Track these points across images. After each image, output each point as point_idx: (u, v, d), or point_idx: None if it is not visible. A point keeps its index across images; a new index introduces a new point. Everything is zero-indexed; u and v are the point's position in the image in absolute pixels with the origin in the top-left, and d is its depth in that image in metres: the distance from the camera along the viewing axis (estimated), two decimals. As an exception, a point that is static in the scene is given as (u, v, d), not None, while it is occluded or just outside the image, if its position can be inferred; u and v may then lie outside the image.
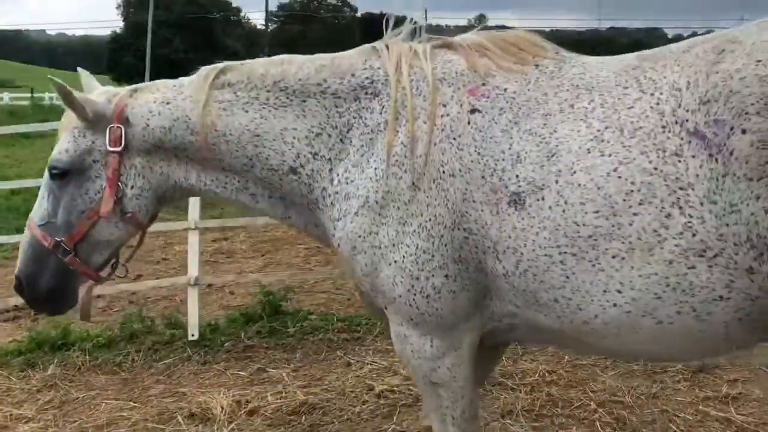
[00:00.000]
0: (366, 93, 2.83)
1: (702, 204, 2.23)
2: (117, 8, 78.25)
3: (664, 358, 3.31)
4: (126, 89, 3.13)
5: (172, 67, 32.75)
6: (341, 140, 2.84)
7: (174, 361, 6.03)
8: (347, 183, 2.79)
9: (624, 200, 2.32)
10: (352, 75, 2.87)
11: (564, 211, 2.40)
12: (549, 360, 5.71)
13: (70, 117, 3.04)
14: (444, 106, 2.67)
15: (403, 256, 2.64)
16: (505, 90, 2.65)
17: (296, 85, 2.91)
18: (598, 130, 2.42)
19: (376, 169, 2.71)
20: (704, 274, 2.25)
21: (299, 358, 5.98)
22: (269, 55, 3.23)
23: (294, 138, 2.89)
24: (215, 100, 2.96)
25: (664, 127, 2.33)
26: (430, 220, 2.59)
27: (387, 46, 2.92)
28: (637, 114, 2.39)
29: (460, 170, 2.57)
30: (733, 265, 2.22)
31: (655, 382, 5.22)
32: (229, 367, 5.86)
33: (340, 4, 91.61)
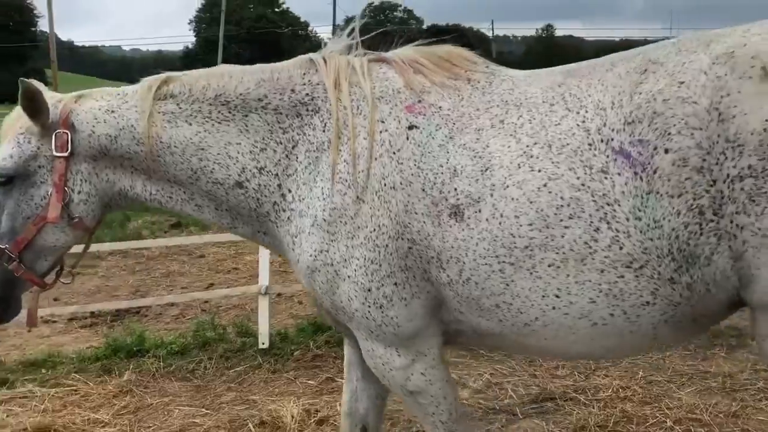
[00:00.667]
0: (307, 109, 2.86)
1: (628, 219, 2.35)
2: (189, 24, 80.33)
3: (598, 356, 3.47)
4: (70, 95, 3.12)
5: (242, 81, 33.22)
6: (287, 156, 2.86)
7: (245, 368, 6.11)
8: (300, 201, 2.82)
9: (555, 214, 2.43)
10: (292, 91, 2.90)
11: (500, 223, 2.51)
12: (623, 375, 5.59)
13: (11, 122, 3.03)
14: (382, 122, 2.73)
15: (355, 270, 2.69)
16: (440, 107, 2.73)
17: (237, 100, 2.92)
18: (527, 146, 2.51)
19: (322, 188, 2.75)
20: (632, 283, 2.40)
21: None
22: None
23: (238, 153, 2.90)
24: (159, 110, 2.97)
25: (590, 144, 2.42)
26: (374, 230, 2.65)
27: (324, 60, 2.94)
28: (563, 131, 2.48)
29: (401, 183, 2.65)
30: (657, 276, 2.37)
31: (735, 400, 5.04)
32: (298, 376, 5.91)
33: (406, 16, 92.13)
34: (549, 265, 2.46)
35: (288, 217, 2.87)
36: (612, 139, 2.38)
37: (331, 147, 2.76)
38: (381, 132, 2.72)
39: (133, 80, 3.17)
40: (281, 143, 2.87)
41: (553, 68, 2.78)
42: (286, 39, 76.66)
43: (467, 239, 2.55)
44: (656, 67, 2.42)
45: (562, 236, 2.42)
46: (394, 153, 2.68)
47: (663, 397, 5.16)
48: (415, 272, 2.66)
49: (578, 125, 2.46)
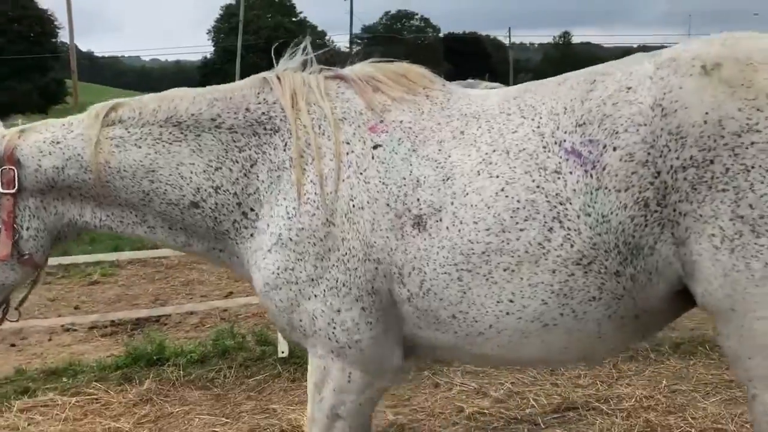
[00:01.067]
0: (265, 128, 2.88)
1: (578, 217, 2.45)
2: (207, 33, 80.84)
3: (549, 362, 3.53)
4: (13, 130, 3.10)
5: (260, 90, 33.37)
6: (245, 175, 2.87)
7: (265, 377, 6.10)
8: (262, 219, 2.84)
9: (511, 217, 2.52)
10: (247, 110, 2.92)
11: (459, 230, 2.58)
12: (646, 385, 5.53)
13: None
14: (348, 143, 2.78)
15: (324, 290, 2.73)
16: (401, 122, 2.80)
17: (189, 121, 2.92)
18: (487, 154, 2.61)
19: (287, 207, 2.77)
20: (581, 280, 2.49)
21: (387, 378, 5.93)
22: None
23: (191, 173, 2.91)
24: (107, 137, 2.96)
25: (545, 147, 2.53)
26: (346, 254, 2.70)
27: (279, 78, 2.95)
28: (520, 137, 2.59)
29: (368, 202, 2.70)
30: (604, 270, 2.47)
31: (761, 410, 4.95)
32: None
33: (423, 24, 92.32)
34: (504, 270, 2.55)
35: (251, 234, 2.89)
36: (564, 141, 2.50)
37: (294, 166, 2.79)
38: (347, 153, 2.76)
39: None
40: (238, 162, 2.88)
41: (515, 86, 2.92)
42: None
43: (428, 248, 2.62)
44: (605, 77, 2.57)
45: (518, 239, 2.52)
46: (360, 173, 2.74)
47: (687, 407, 5.10)
48: (381, 295, 2.72)
49: (533, 131, 2.58)
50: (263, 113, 2.90)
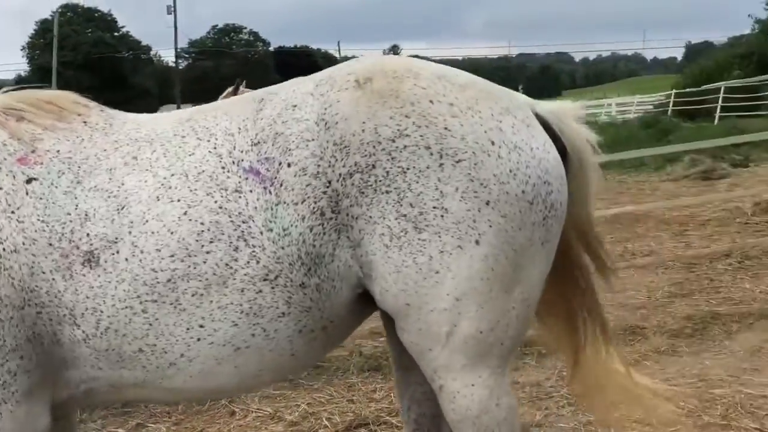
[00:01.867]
0: None
1: (261, 233, 2.47)
2: (22, 50, 76.24)
3: (243, 387, 3.13)
4: None
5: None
6: None
7: None
8: None
9: (197, 241, 2.48)
10: None
11: (141, 260, 2.47)
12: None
13: None
14: None
15: None
16: (59, 151, 2.60)
17: None
18: (165, 178, 2.54)
19: None
20: (269, 296, 2.50)
21: (181, 410, 5.69)
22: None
23: None
24: None
25: (223, 167, 2.54)
26: None
27: None
28: (198, 159, 2.56)
29: (23, 243, 2.47)
30: (290, 283, 2.49)
31: (539, 409, 5.12)
32: (106, 425, 5.56)
33: (252, 38, 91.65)
34: (192, 295, 2.48)
35: None
36: (242, 160, 2.53)
37: None
38: None
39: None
40: None
41: (184, 110, 2.90)
42: (128, 63, 74.36)
43: (104, 284, 2.47)
44: (272, 96, 2.65)
45: (205, 262, 2.47)
46: (12, 212, 2.49)
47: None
48: (44, 338, 2.50)
49: (210, 152, 2.57)
50: None
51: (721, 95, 33.72)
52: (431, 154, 2.42)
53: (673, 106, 38.99)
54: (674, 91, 42.11)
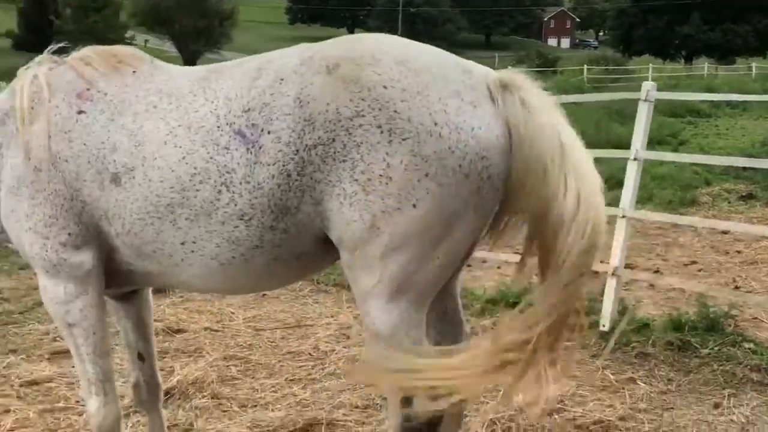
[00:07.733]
0: (8, 117, 3.29)
1: (241, 183, 2.86)
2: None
3: (237, 290, 3.93)
4: None
5: None
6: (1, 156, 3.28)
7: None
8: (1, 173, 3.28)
9: (190, 180, 2.92)
10: (2, 105, 3.33)
11: (149, 187, 2.98)
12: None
13: None
14: (57, 107, 3.15)
15: (35, 223, 3.15)
16: (106, 93, 3.15)
17: None
18: (173, 127, 2.98)
19: (11, 162, 3.21)
20: (245, 231, 2.92)
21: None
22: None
23: None
24: None
25: (218, 126, 2.90)
26: (51, 193, 3.11)
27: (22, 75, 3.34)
28: (201, 116, 2.96)
29: (72, 156, 3.09)
30: (261, 225, 2.90)
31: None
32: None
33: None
34: (186, 219, 2.95)
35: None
36: (234, 123, 2.88)
37: (20, 130, 3.18)
38: (55, 116, 3.12)
39: None
40: None
41: (207, 66, 3.27)
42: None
43: (125, 199, 3.02)
44: (269, 65, 2.96)
45: (195, 197, 2.92)
46: (65, 133, 3.11)
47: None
48: (88, 226, 3.14)
49: (211, 112, 2.94)
50: (12, 106, 3.27)
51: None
52: (382, 132, 2.69)
53: None
54: None
